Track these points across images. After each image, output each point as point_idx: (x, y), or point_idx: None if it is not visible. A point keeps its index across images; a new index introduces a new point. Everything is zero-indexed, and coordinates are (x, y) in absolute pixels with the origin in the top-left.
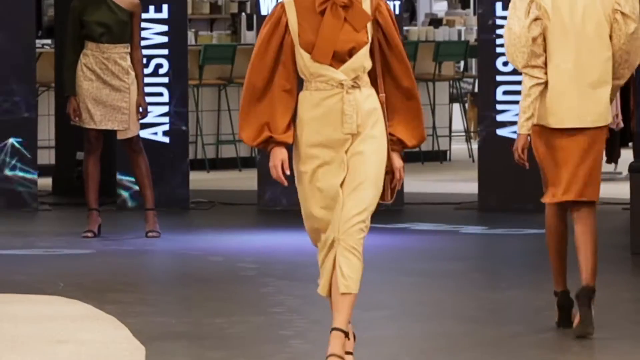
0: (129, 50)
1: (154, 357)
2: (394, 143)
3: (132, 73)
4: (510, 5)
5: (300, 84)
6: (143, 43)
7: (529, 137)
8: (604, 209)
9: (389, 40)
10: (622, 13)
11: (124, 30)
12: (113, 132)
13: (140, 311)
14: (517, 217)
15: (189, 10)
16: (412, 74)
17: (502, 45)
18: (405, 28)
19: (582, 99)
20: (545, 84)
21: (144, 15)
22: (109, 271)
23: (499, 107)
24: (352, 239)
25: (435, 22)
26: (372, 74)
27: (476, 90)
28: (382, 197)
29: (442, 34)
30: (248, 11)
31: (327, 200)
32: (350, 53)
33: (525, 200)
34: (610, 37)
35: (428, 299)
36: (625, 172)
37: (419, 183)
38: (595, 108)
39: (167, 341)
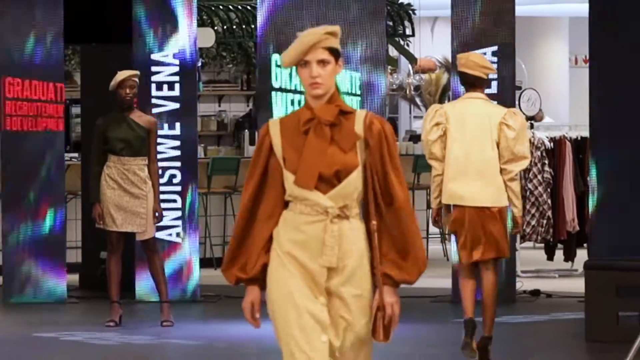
0: (146, 162)
1: None
2: (384, 277)
3: (149, 182)
4: (426, 111)
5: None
6: (158, 156)
7: (440, 210)
8: (562, 301)
9: (375, 163)
10: (507, 125)
11: (142, 145)
12: (132, 234)
13: None
14: None
15: (199, 128)
16: (403, 201)
17: None
18: None
19: (471, 185)
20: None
21: (160, 132)
22: (129, 356)
23: None
24: None
25: (415, 137)
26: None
27: None
28: (375, 335)
29: (420, 148)
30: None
31: (317, 328)
32: (339, 177)
33: None
34: (499, 143)
35: None
36: (581, 269)
37: None
38: (482, 192)
39: None
